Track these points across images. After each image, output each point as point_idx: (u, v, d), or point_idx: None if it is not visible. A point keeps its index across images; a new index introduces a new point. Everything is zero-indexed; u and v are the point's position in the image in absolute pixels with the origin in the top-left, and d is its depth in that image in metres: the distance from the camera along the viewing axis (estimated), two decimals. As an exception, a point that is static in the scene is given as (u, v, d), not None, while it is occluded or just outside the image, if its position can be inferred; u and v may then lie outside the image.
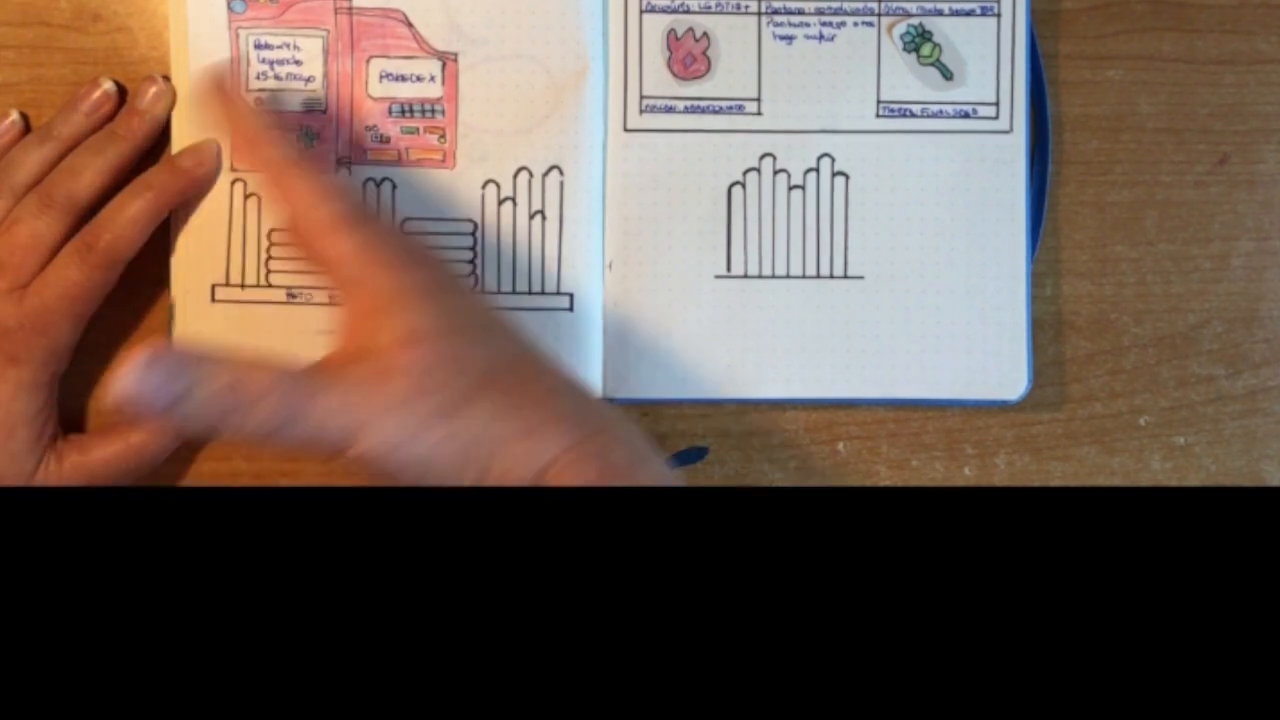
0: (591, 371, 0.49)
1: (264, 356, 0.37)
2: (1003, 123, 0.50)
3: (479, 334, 0.39)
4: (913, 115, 0.50)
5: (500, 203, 0.49)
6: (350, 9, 0.49)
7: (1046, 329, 0.52)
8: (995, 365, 0.50)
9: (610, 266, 0.50)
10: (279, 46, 0.49)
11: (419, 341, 0.38)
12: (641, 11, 0.50)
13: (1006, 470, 0.52)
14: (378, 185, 0.49)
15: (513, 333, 0.40)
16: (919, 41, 0.50)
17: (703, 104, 0.50)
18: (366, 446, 0.37)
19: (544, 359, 0.40)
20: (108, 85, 0.49)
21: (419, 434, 0.37)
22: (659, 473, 0.39)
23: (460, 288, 0.41)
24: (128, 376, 0.35)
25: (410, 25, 0.49)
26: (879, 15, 0.50)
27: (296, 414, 0.37)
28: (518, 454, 0.38)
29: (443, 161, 0.49)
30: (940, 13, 0.50)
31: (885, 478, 0.51)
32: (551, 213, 0.49)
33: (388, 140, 0.49)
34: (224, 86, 0.45)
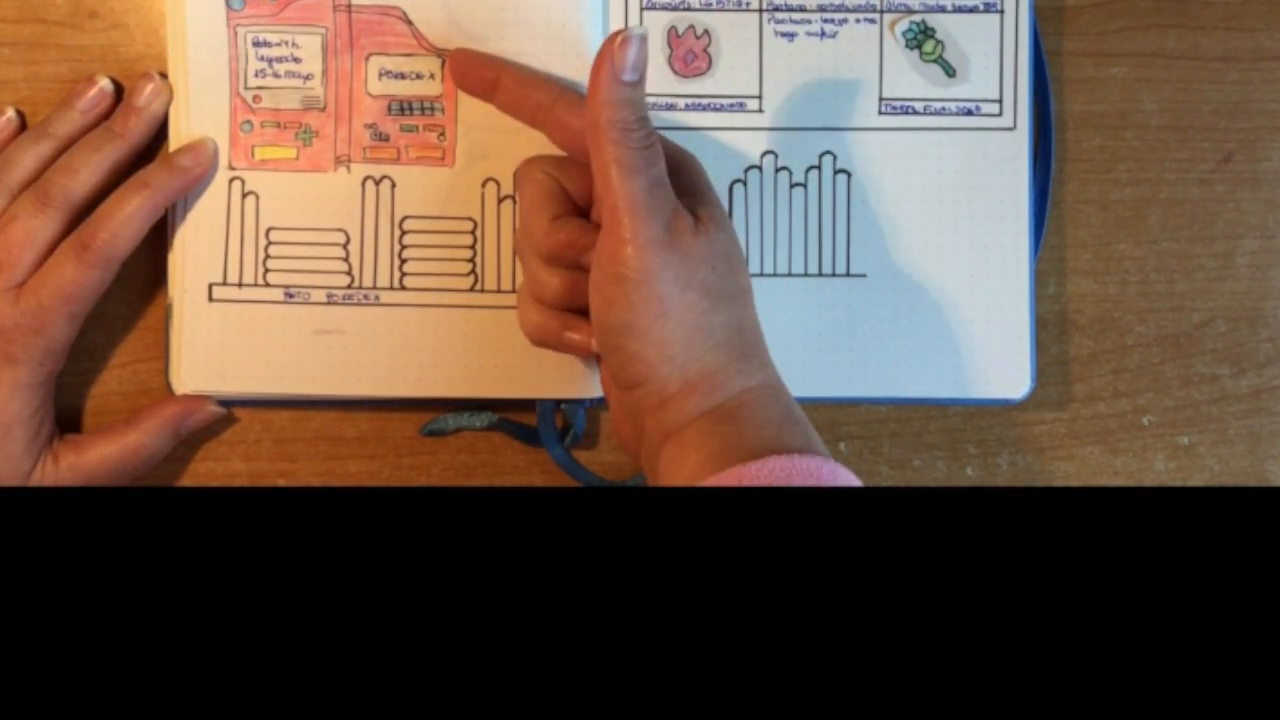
0: (591, 370, 0.49)
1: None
2: (1006, 120, 0.50)
3: (740, 256, 0.44)
4: (915, 113, 0.50)
5: (500, 200, 0.49)
6: (349, 6, 0.49)
7: (1050, 328, 0.51)
8: (998, 364, 0.50)
9: (611, 265, 0.50)
10: (277, 44, 0.49)
11: (719, 228, 0.43)
12: (642, 9, 0.50)
13: (1009, 470, 0.52)
14: (377, 183, 0.49)
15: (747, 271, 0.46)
16: (921, 38, 0.50)
17: (704, 101, 0.50)
18: (633, 253, 0.41)
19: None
20: (104, 83, 0.48)
21: (678, 292, 0.42)
22: (813, 436, 0.43)
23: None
24: (640, 30, 0.42)
25: (409, 23, 0.49)
26: (881, 12, 0.50)
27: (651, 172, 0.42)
28: (729, 369, 0.42)
29: (442, 159, 0.49)
30: (943, 9, 0.50)
31: (887, 477, 0.51)
32: (552, 211, 0.49)
33: (387, 138, 0.49)
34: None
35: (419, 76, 0.49)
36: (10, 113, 0.49)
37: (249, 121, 0.49)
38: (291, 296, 0.49)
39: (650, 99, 0.50)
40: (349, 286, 0.49)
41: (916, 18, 0.50)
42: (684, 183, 0.44)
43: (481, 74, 0.47)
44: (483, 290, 0.49)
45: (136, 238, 0.46)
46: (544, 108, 0.46)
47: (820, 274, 0.50)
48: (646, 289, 0.41)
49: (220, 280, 0.49)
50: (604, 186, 0.42)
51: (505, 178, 0.49)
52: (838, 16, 0.50)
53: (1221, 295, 0.52)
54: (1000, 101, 0.50)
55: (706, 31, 0.50)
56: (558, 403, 0.49)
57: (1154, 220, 0.52)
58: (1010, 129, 0.50)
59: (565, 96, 0.46)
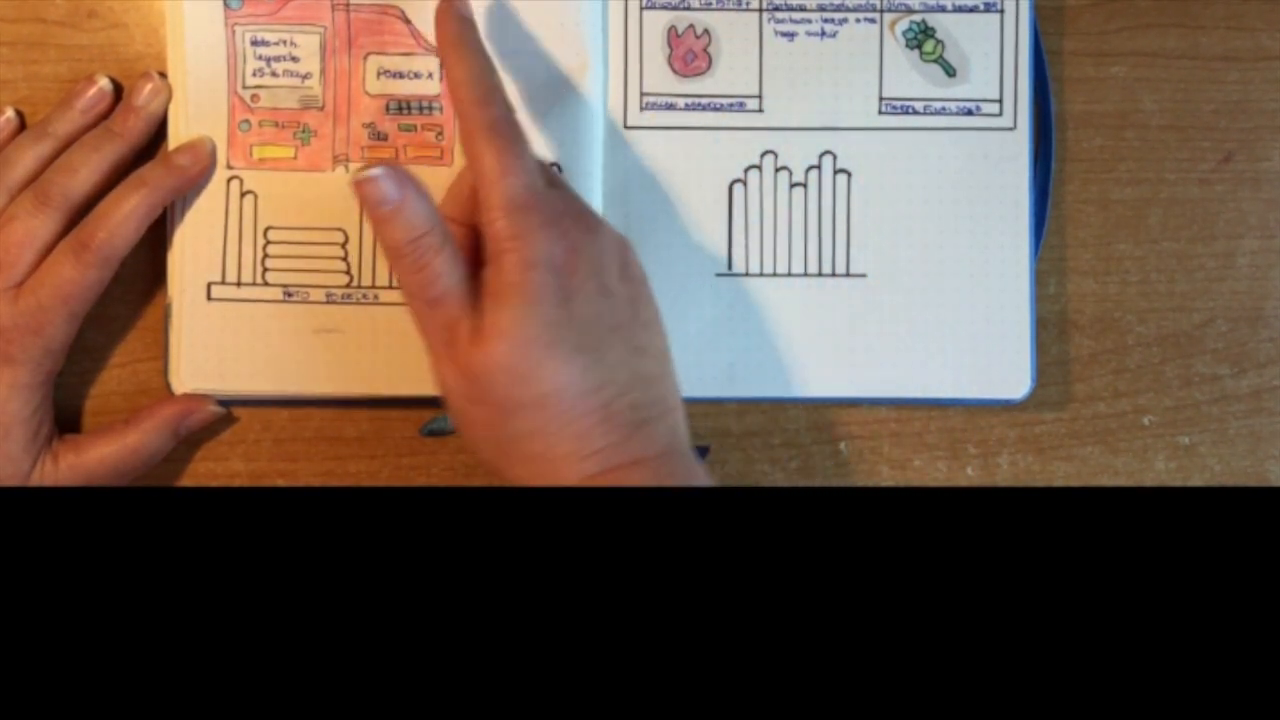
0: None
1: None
2: (1006, 120, 0.50)
3: (535, 359, 0.42)
4: (915, 112, 0.50)
5: (499, 200, 0.49)
6: (348, 5, 0.49)
7: (1050, 328, 0.51)
8: (998, 364, 0.50)
9: (610, 265, 0.50)
10: (276, 43, 0.49)
11: (500, 337, 0.41)
12: (642, 8, 0.50)
13: (1010, 470, 0.51)
14: (376, 183, 0.49)
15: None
16: (921, 38, 0.50)
17: (704, 101, 0.50)
18: (432, 367, 0.42)
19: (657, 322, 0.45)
20: (103, 82, 0.48)
21: (469, 406, 0.42)
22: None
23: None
24: (374, 170, 0.41)
25: (408, 22, 0.49)
26: (881, 11, 0.50)
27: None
28: (532, 477, 0.42)
29: (440, 159, 0.49)
30: (943, 9, 0.50)
31: (887, 478, 0.51)
32: (551, 210, 0.49)
33: (385, 137, 0.49)
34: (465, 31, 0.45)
35: (417, 76, 0.49)
36: (9, 112, 0.49)
37: (247, 121, 0.49)
38: (290, 296, 0.49)
39: (650, 98, 0.50)
40: (348, 286, 0.49)
41: (916, 17, 0.50)
42: (496, 280, 0.42)
43: (442, 47, 0.45)
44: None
45: (135, 237, 0.46)
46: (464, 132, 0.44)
47: (820, 274, 0.50)
48: (448, 402, 0.43)
49: (219, 279, 0.49)
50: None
51: (504, 177, 0.49)
52: (838, 16, 0.50)
53: (1222, 295, 0.52)
54: (1000, 101, 0.50)
55: (706, 31, 0.50)
56: (557, 403, 0.49)
57: (1154, 220, 0.52)
58: (1010, 129, 0.50)
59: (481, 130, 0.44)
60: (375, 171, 0.41)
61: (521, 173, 0.42)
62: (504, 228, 0.42)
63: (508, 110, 0.43)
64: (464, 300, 0.42)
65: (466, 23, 0.45)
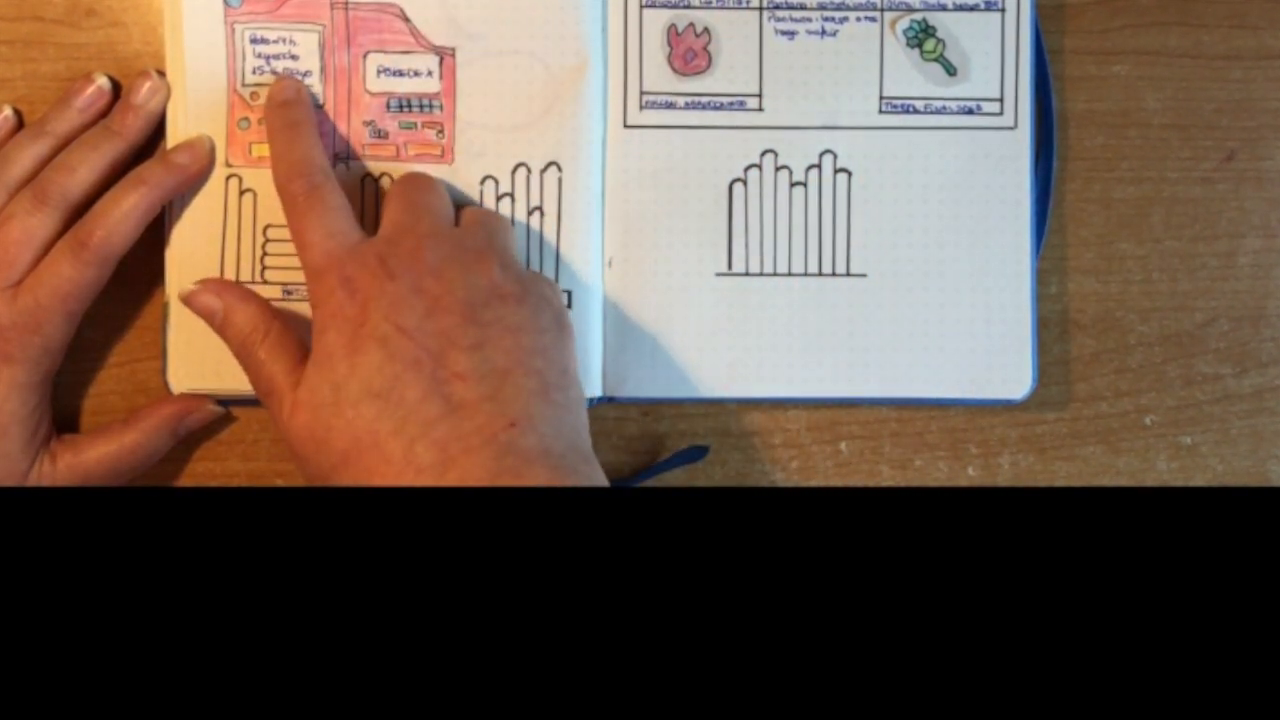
0: (591, 370, 0.49)
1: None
2: (1007, 119, 0.50)
3: (341, 428, 0.43)
4: (916, 111, 0.50)
5: (498, 198, 0.49)
6: (347, 4, 0.49)
7: (1051, 327, 0.51)
8: (999, 364, 0.50)
9: (610, 264, 0.50)
10: (275, 41, 0.49)
11: (304, 408, 0.43)
12: (642, 6, 0.50)
13: (1011, 470, 0.51)
14: (376, 180, 0.49)
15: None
16: (922, 37, 0.50)
17: (704, 100, 0.50)
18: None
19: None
20: (102, 81, 0.48)
21: (302, 466, 0.43)
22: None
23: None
24: (192, 286, 0.46)
25: (407, 20, 0.49)
26: (881, 10, 0.50)
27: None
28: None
29: (441, 157, 0.49)
30: (944, 7, 0.50)
31: (888, 478, 0.51)
32: (550, 209, 0.49)
33: (385, 136, 0.49)
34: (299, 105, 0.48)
35: (417, 74, 0.49)
36: (8, 111, 0.49)
37: (246, 119, 0.49)
38: (290, 294, 0.49)
39: (650, 97, 0.50)
40: (347, 285, 0.49)
41: (917, 16, 0.50)
42: (315, 351, 0.43)
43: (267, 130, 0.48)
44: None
45: (133, 235, 0.46)
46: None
47: (820, 274, 0.50)
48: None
49: (218, 278, 0.48)
50: None
51: (504, 175, 0.49)
52: (838, 15, 0.50)
53: (1224, 294, 0.51)
54: (1001, 100, 0.50)
55: (706, 29, 0.50)
56: (557, 402, 0.49)
57: (1156, 219, 0.51)
58: (1011, 128, 0.50)
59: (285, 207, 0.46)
60: (193, 287, 0.46)
61: (319, 240, 0.44)
62: (309, 295, 0.44)
63: (315, 179, 0.45)
64: (287, 382, 0.43)
65: (288, 106, 0.47)
